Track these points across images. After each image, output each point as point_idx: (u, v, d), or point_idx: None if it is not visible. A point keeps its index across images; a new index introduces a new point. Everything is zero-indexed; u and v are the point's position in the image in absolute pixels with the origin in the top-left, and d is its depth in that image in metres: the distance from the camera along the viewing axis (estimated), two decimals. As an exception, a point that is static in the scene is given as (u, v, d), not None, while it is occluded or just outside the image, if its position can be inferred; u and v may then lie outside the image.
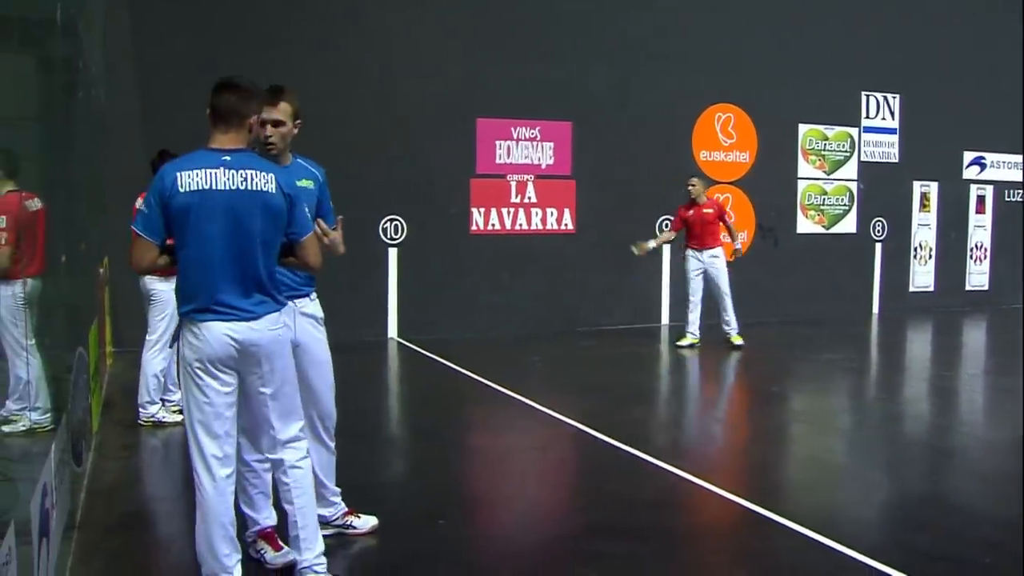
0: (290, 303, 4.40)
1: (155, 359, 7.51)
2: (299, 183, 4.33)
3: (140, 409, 7.55)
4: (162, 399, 7.66)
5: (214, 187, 3.90)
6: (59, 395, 4.70)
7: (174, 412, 7.51)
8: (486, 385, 9.36)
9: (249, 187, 3.95)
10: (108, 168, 10.71)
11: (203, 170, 3.91)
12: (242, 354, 4.00)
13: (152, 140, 11.04)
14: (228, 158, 3.96)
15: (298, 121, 4.65)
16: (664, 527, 5.47)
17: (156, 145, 11.02)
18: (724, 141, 14.44)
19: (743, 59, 14.19)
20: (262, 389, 4.09)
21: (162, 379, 7.59)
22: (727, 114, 14.44)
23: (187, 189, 3.88)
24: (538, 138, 13.21)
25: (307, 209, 4.21)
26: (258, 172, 4.00)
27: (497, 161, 13.05)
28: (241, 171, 3.96)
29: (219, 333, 3.95)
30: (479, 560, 4.94)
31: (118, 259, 10.70)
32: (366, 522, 5.14)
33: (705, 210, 11.75)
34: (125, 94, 11.10)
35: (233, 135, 4.02)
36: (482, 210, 12.95)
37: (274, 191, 3.99)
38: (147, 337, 7.59)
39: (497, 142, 13.04)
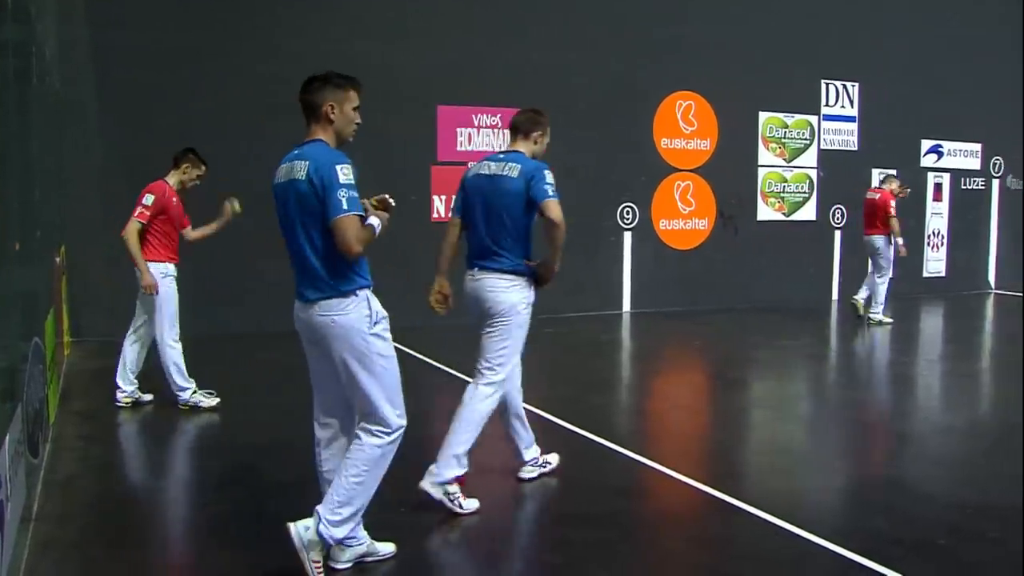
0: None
1: (175, 348, 7.67)
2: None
3: (178, 394, 7.72)
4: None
5: (276, 180, 4.34)
6: (14, 385, 4.63)
7: (207, 395, 7.84)
8: (448, 373, 9.34)
9: (289, 176, 4.25)
10: (65, 155, 10.57)
11: (280, 166, 4.36)
12: (305, 333, 4.43)
13: (109, 126, 10.98)
14: (297, 151, 4.31)
15: None
16: (628, 514, 5.49)
17: (113, 131, 10.97)
18: (685, 128, 14.47)
19: (704, 46, 14.23)
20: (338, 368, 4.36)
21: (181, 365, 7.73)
22: (688, 101, 14.47)
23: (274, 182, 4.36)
24: (499, 125, 13.17)
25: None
26: (299, 161, 4.24)
27: (458, 148, 13.01)
28: (291, 163, 4.28)
29: (295, 313, 4.42)
30: (444, 548, 4.94)
31: (76, 247, 10.59)
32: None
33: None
34: (81, 80, 10.94)
35: (313, 127, 4.42)
36: (443, 197, 12.90)
37: (303, 177, 4.17)
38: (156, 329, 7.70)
39: (458, 129, 13.00)
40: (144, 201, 7.41)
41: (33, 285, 6.18)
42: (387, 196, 4.56)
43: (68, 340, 9.98)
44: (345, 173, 4.18)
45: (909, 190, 13.83)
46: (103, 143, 11.03)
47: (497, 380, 5.56)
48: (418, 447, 6.82)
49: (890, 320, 12.94)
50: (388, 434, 4.40)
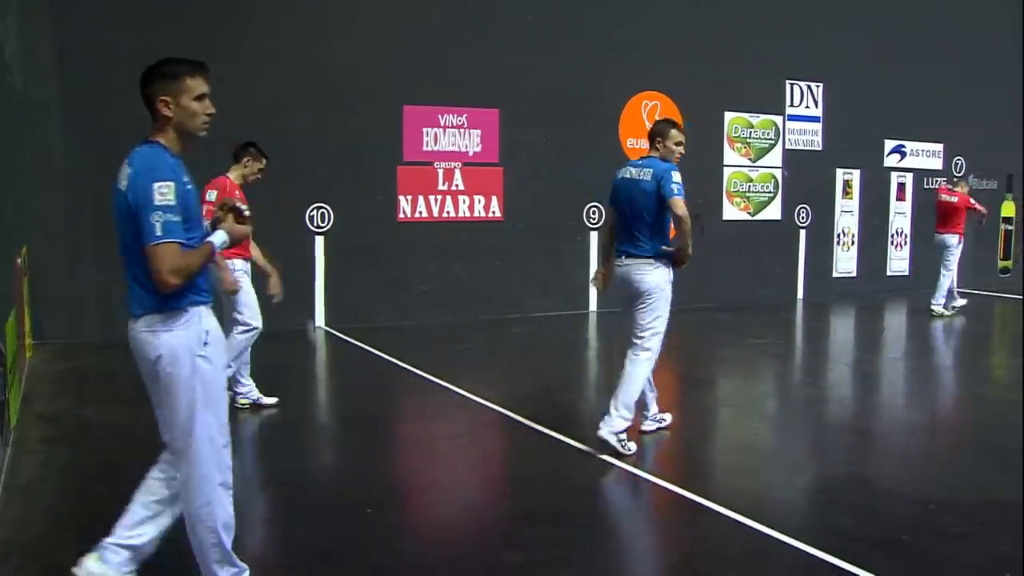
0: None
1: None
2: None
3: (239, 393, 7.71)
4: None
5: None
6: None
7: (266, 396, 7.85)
8: (414, 373, 9.32)
9: (118, 178, 3.72)
10: (27, 155, 10.46)
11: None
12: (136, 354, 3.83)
13: (72, 125, 10.86)
14: (133, 152, 3.77)
15: None
16: (592, 512, 5.50)
17: (77, 130, 10.86)
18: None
19: (669, 47, 14.27)
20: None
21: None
22: (654, 101, 14.52)
23: None
24: (465, 125, 13.16)
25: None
26: (125, 167, 3.71)
27: (424, 148, 12.98)
28: (124, 163, 3.73)
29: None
30: (408, 548, 4.91)
31: (38, 247, 10.47)
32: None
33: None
34: (44, 79, 10.83)
35: (153, 126, 3.84)
36: (409, 198, 12.88)
37: (123, 188, 3.67)
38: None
39: (424, 129, 12.97)
40: (207, 197, 7.06)
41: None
42: (239, 204, 4.12)
43: (30, 342, 9.87)
44: (162, 193, 3.57)
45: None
46: (65, 143, 10.92)
47: (651, 346, 6.65)
48: (384, 442, 6.83)
49: (950, 312, 13.84)
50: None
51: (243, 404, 7.69)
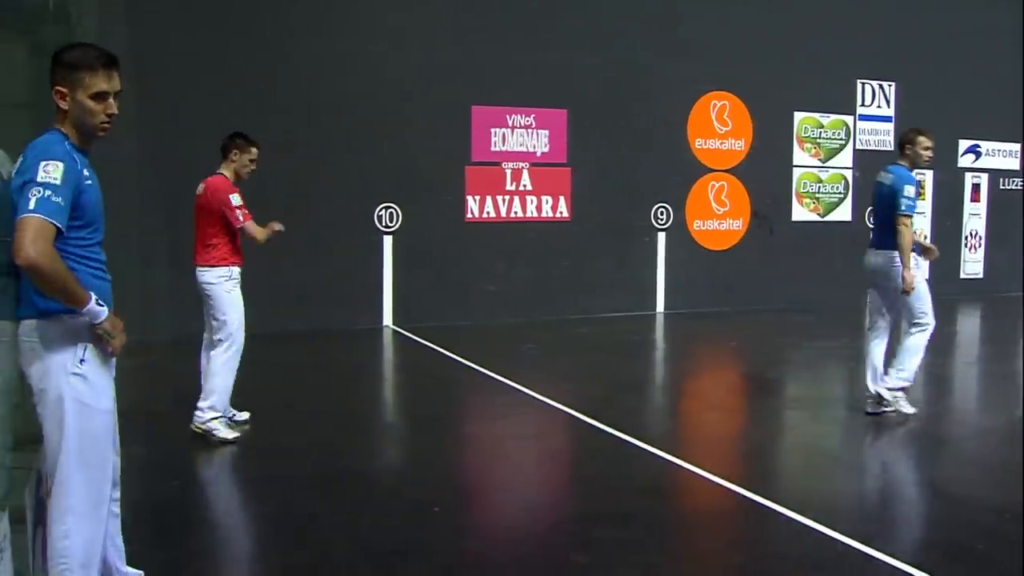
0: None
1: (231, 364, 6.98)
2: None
3: (198, 413, 6.86)
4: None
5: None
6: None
7: (231, 428, 6.99)
8: (481, 373, 9.35)
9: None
10: (101, 154, 10.67)
11: None
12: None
13: (145, 126, 11.07)
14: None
15: None
16: (658, 514, 5.48)
17: (150, 131, 11.07)
18: (719, 129, 14.41)
19: (739, 46, 14.16)
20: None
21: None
22: (723, 102, 14.41)
23: None
24: (533, 126, 13.18)
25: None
26: (21, 156, 3.41)
27: (492, 149, 13.02)
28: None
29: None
30: (475, 547, 4.95)
31: (111, 247, 10.68)
32: None
33: None
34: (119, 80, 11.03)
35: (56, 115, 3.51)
36: (477, 198, 12.93)
37: (7, 176, 3.45)
38: (215, 337, 6.94)
39: (492, 130, 13.01)
40: (234, 202, 6.73)
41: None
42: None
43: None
44: (47, 171, 3.25)
45: None
46: (138, 143, 11.11)
47: (926, 323, 7.56)
48: (450, 441, 6.86)
49: None
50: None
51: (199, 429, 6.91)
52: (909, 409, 7.64)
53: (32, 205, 3.19)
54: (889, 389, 7.60)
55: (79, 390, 3.40)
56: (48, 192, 3.22)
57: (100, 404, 3.48)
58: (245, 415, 7.31)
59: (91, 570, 3.50)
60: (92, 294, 3.37)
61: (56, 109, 3.50)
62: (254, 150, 7.02)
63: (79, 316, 3.35)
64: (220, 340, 6.88)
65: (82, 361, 3.42)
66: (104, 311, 3.41)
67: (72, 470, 3.40)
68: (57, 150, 3.34)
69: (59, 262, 3.23)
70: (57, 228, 3.23)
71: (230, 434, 6.84)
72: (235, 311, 6.90)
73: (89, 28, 9.47)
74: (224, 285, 6.85)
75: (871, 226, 8.26)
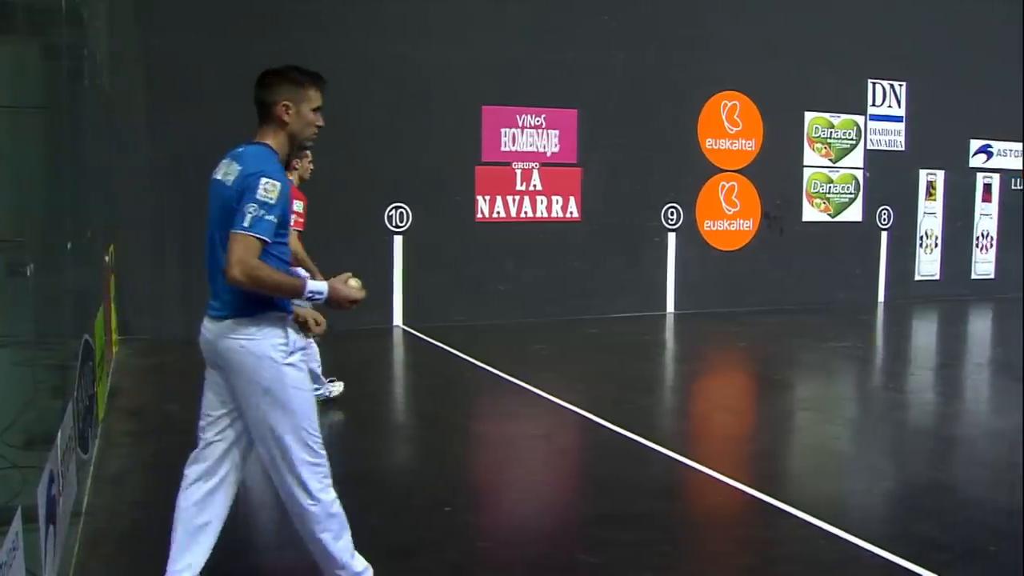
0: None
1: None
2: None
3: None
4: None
5: (213, 175, 3.79)
6: (66, 382, 4.69)
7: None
8: (491, 372, 9.36)
9: (224, 175, 3.73)
10: (114, 156, 10.71)
11: (222, 160, 3.81)
12: (209, 354, 3.85)
13: (157, 127, 11.10)
14: (241, 149, 3.79)
15: None
16: (670, 515, 5.47)
17: (162, 133, 11.10)
18: (730, 129, 14.40)
19: (750, 46, 14.14)
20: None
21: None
22: (733, 101, 14.40)
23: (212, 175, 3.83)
24: (543, 125, 13.18)
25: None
26: (234, 163, 3.71)
27: (502, 149, 13.02)
28: (230, 161, 3.76)
29: (202, 330, 3.85)
30: (486, 547, 4.95)
31: (123, 246, 10.72)
32: None
33: None
34: (130, 81, 11.08)
35: (263, 128, 3.84)
36: (487, 198, 12.93)
37: (230, 183, 3.66)
38: None
39: (502, 129, 13.01)
40: (295, 208, 6.72)
41: (83, 284, 6.26)
42: (354, 295, 3.96)
43: (116, 338, 10.10)
44: (267, 190, 3.57)
45: None
46: (150, 144, 11.16)
47: None
48: (461, 441, 6.85)
49: None
50: (315, 497, 3.97)
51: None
52: None
53: (247, 223, 3.53)
54: None
55: (297, 378, 3.77)
56: (263, 212, 3.55)
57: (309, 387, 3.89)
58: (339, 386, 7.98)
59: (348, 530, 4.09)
60: (302, 278, 3.75)
61: (264, 122, 3.83)
62: (310, 155, 7.29)
63: (281, 311, 3.75)
64: None
65: (292, 352, 3.77)
66: (324, 284, 3.82)
67: (300, 453, 3.82)
68: (274, 168, 3.67)
69: (262, 270, 3.56)
70: (264, 240, 3.57)
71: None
72: None
73: (100, 30, 9.49)
74: None
75: None
